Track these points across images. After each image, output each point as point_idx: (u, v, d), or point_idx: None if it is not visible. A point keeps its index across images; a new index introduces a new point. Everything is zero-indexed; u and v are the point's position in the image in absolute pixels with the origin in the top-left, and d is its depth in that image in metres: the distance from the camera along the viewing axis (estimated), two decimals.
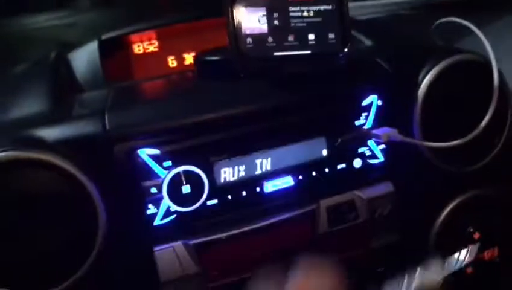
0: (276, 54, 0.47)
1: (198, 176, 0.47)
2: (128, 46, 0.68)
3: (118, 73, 0.65)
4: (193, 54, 0.68)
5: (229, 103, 0.49)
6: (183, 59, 0.70)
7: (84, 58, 0.63)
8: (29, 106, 0.50)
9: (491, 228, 0.58)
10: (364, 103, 0.53)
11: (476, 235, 0.57)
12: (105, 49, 0.63)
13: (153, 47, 0.70)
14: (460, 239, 0.57)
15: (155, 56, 0.68)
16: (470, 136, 0.50)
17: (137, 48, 0.69)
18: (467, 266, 0.57)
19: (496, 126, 0.57)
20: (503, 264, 0.58)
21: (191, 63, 0.68)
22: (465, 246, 0.56)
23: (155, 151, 0.46)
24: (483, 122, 0.51)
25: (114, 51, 0.66)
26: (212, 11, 0.68)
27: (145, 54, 0.69)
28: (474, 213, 0.57)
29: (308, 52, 0.47)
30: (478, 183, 0.58)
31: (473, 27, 0.54)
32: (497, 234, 0.58)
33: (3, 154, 0.42)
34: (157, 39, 0.69)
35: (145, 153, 0.46)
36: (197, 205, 0.47)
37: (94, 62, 0.63)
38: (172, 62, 0.69)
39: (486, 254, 0.57)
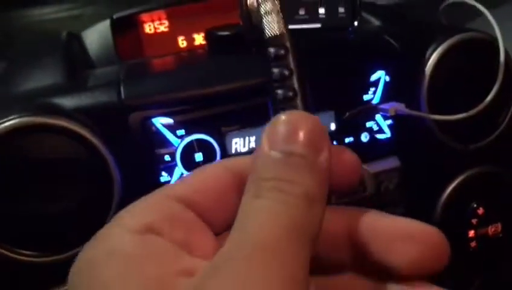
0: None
1: (211, 144, 0.48)
2: (139, 25, 0.69)
3: (130, 52, 0.66)
4: (203, 34, 0.69)
5: (240, 75, 0.50)
6: (193, 39, 0.71)
7: (96, 36, 0.64)
8: (43, 78, 0.52)
9: (495, 204, 0.59)
10: (373, 78, 0.54)
11: (480, 211, 0.58)
12: (117, 28, 0.65)
13: (163, 27, 0.71)
14: (464, 214, 0.58)
15: (165, 36, 0.70)
16: (475, 110, 0.51)
17: (148, 28, 0.70)
18: (470, 241, 0.58)
19: (501, 104, 0.58)
20: (506, 239, 0.59)
21: (200, 44, 0.69)
22: (469, 221, 0.58)
23: (169, 121, 0.48)
24: (489, 98, 0.52)
25: (126, 30, 0.67)
26: None
27: (156, 34, 0.70)
28: (478, 189, 0.58)
29: (319, 25, 0.48)
30: (483, 160, 0.59)
31: (479, 6, 0.55)
32: (501, 210, 0.59)
33: (19, 120, 0.43)
34: (168, 19, 0.70)
35: (159, 122, 0.47)
36: None
37: (106, 40, 0.64)
38: (182, 42, 0.71)
39: (490, 229, 0.58)
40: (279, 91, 0.19)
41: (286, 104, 0.19)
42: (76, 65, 0.57)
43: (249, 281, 0.13)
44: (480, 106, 0.51)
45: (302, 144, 0.16)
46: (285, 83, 0.18)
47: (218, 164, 0.19)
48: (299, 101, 0.19)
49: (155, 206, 0.17)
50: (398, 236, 0.18)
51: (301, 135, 0.16)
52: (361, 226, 0.18)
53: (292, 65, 0.19)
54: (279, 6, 0.20)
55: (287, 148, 0.16)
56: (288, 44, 0.20)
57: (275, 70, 0.19)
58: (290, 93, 0.19)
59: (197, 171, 0.19)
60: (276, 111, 0.18)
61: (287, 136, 0.16)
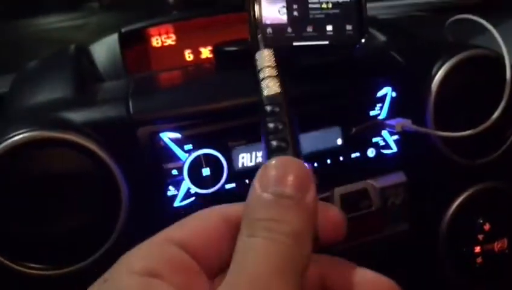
0: (295, 43, 0.48)
1: (218, 159, 0.48)
2: (146, 39, 0.70)
3: (137, 65, 0.66)
4: (209, 48, 0.69)
5: (247, 91, 0.50)
6: (200, 53, 0.72)
7: (104, 49, 0.65)
8: (52, 92, 0.52)
9: (501, 219, 0.58)
10: (379, 94, 0.54)
11: (486, 227, 0.58)
12: (124, 41, 0.65)
13: (170, 40, 0.72)
14: (470, 230, 0.58)
15: (172, 49, 0.70)
16: (481, 128, 0.51)
17: (156, 41, 0.71)
18: (476, 256, 0.58)
19: (507, 121, 0.58)
20: None
21: (207, 57, 0.70)
22: (475, 236, 0.58)
23: (176, 135, 0.48)
24: (495, 115, 0.52)
25: (133, 44, 0.68)
26: (230, 7, 0.70)
27: (163, 47, 0.71)
28: (484, 205, 0.58)
29: (326, 42, 0.49)
30: (489, 175, 0.59)
31: (485, 23, 0.55)
32: (507, 225, 0.59)
33: (28, 134, 0.43)
34: (175, 33, 0.71)
35: (167, 137, 0.48)
36: (216, 187, 0.49)
37: (114, 53, 0.65)
38: (189, 56, 0.71)
39: (496, 245, 0.58)
40: (274, 142, 0.21)
41: (278, 153, 0.21)
42: (85, 78, 0.57)
43: None
44: (487, 123, 0.52)
45: (290, 186, 0.18)
46: (278, 134, 0.21)
47: (213, 211, 0.21)
48: (289, 150, 0.21)
49: (157, 250, 0.19)
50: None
51: (290, 178, 0.18)
52: (334, 276, 0.20)
53: (285, 120, 0.22)
54: (277, 72, 0.23)
55: (277, 190, 0.18)
56: (283, 102, 0.22)
57: (270, 124, 0.21)
58: (283, 144, 0.21)
59: (194, 216, 0.20)
60: (268, 157, 0.20)
61: (277, 180, 0.18)
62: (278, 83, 0.23)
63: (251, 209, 0.18)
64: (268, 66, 0.23)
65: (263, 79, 0.23)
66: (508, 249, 0.58)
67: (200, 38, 0.71)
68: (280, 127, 0.21)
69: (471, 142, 0.56)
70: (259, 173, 0.19)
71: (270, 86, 0.23)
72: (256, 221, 0.17)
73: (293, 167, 0.18)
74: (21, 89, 0.55)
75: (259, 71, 0.23)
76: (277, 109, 0.22)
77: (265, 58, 0.23)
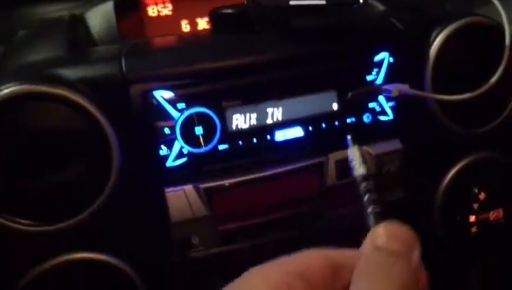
0: (291, 2, 0.48)
1: (211, 118, 0.48)
2: (142, 8, 0.69)
3: (132, 33, 0.66)
4: (206, 19, 0.69)
5: (243, 52, 0.50)
6: (196, 24, 0.71)
7: (99, 17, 0.64)
8: (45, 52, 0.52)
9: (497, 189, 0.58)
10: (376, 59, 0.54)
11: (482, 196, 0.57)
12: (120, 9, 0.65)
13: (167, 10, 0.71)
14: (465, 199, 0.57)
15: (169, 19, 0.69)
16: (479, 91, 0.51)
17: (152, 11, 0.70)
18: (471, 226, 0.57)
19: (506, 90, 0.58)
20: (507, 225, 0.58)
21: (204, 28, 0.69)
22: (470, 206, 0.57)
23: (169, 94, 0.47)
24: (493, 79, 0.51)
25: (129, 12, 0.67)
26: None
27: (159, 17, 0.70)
28: (481, 174, 0.58)
29: (323, 2, 0.48)
30: (486, 145, 0.59)
31: None
32: (503, 195, 0.58)
33: (19, 87, 0.43)
34: (171, 2, 0.70)
35: (160, 95, 0.47)
36: (209, 147, 0.48)
37: (110, 21, 0.64)
38: (185, 26, 0.70)
39: (491, 215, 0.58)
40: (376, 209, 0.27)
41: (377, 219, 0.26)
42: (79, 42, 0.57)
43: None
44: (484, 87, 0.51)
45: (399, 245, 0.21)
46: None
47: (321, 252, 0.23)
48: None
49: (285, 273, 0.21)
50: None
51: (398, 238, 0.21)
52: None
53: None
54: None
55: (390, 247, 0.21)
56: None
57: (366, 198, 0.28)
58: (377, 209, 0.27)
59: (304, 254, 0.23)
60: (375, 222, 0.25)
61: (387, 240, 0.21)
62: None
63: (364, 262, 0.21)
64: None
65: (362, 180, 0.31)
66: (503, 218, 0.58)
67: (197, 9, 0.69)
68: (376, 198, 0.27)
69: (469, 111, 0.56)
70: (370, 234, 0.22)
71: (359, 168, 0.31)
72: (371, 272, 0.20)
73: (400, 230, 0.22)
74: (14, 51, 0.55)
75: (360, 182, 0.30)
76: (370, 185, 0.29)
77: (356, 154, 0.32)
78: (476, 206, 0.57)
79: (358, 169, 0.32)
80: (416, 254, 0.21)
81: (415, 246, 0.21)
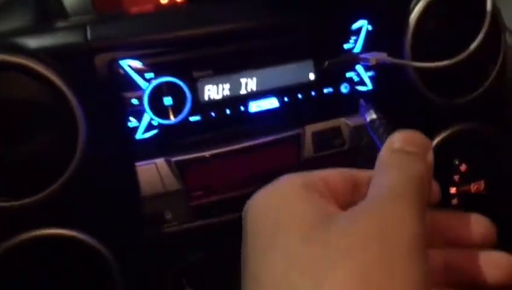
0: None
1: (181, 89, 0.46)
2: None
3: (107, 5, 0.63)
4: None
5: (215, 20, 0.48)
6: None
7: None
8: (10, 22, 0.49)
9: (478, 161, 0.57)
10: (354, 26, 0.52)
11: (463, 168, 0.56)
12: None
13: None
14: (446, 171, 0.56)
15: None
16: (458, 58, 0.49)
17: None
18: (452, 197, 0.56)
19: (487, 58, 0.56)
20: (489, 197, 0.57)
21: (183, 1, 0.67)
22: (451, 177, 0.56)
23: (137, 63, 0.45)
24: (473, 46, 0.50)
25: None
26: None
27: None
28: (462, 146, 0.57)
29: None
30: (468, 116, 0.57)
31: None
32: (484, 167, 0.57)
33: None
34: None
35: (127, 64, 0.45)
36: (179, 118, 0.46)
37: None
38: None
39: (473, 187, 0.57)
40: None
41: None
42: (49, 13, 0.54)
43: (393, 212, 0.19)
44: (463, 54, 0.49)
45: (415, 146, 0.22)
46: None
47: (340, 169, 0.25)
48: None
49: (310, 176, 0.23)
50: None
51: (414, 141, 0.23)
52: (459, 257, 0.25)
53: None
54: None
55: (405, 148, 0.22)
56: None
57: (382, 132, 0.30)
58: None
59: (325, 170, 0.24)
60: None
61: (404, 142, 0.22)
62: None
63: (383, 158, 0.22)
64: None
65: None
66: (484, 190, 0.57)
67: None
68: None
69: (449, 80, 0.54)
70: (386, 142, 0.23)
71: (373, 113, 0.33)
72: (388, 164, 0.22)
73: (415, 134, 0.23)
74: None
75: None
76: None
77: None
78: (456, 178, 0.56)
79: (371, 115, 0.33)
80: (430, 155, 0.23)
81: (429, 148, 0.23)
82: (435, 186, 0.25)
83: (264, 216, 0.21)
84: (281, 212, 0.21)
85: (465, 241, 0.24)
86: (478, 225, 0.24)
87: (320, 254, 0.18)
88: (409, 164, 0.21)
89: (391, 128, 0.29)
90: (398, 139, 0.23)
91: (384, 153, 0.23)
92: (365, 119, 0.34)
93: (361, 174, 0.25)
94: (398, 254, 0.18)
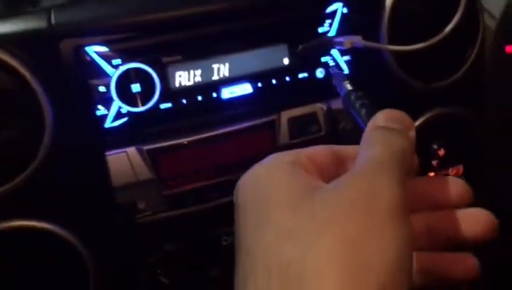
0: None
1: (149, 75, 0.45)
2: None
3: None
4: None
5: (185, 2, 0.46)
6: None
7: None
8: None
9: (456, 145, 0.57)
10: (329, 9, 0.51)
11: (441, 152, 0.56)
12: None
13: None
14: (424, 156, 0.56)
15: None
16: (433, 40, 0.48)
17: None
18: None
19: (464, 42, 0.55)
20: (468, 181, 0.57)
21: None
22: (429, 162, 0.56)
23: (103, 49, 0.44)
24: (448, 28, 0.49)
25: None
26: None
27: None
28: (440, 130, 0.56)
29: None
30: (446, 100, 0.57)
31: None
32: (463, 151, 0.57)
33: None
34: None
35: (93, 50, 0.44)
36: (149, 105, 0.45)
37: None
38: None
39: (451, 171, 0.56)
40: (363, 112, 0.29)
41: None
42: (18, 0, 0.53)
43: (376, 180, 0.20)
44: (439, 37, 0.49)
45: (398, 124, 0.23)
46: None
47: (326, 146, 0.26)
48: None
49: (296, 154, 0.24)
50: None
51: (396, 119, 0.23)
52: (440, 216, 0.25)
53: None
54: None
55: (387, 125, 0.23)
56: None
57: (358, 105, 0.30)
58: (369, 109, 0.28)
59: (311, 147, 0.25)
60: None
61: (387, 120, 0.23)
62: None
63: (367, 135, 0.23)
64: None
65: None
66: (463, 175, 0.57)
67: None
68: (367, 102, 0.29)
69: (426, 64, 0.53)
70: (370, 121, 0.24)
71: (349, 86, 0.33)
72: (372, 139, 0.23)
73: (398, 112, 0.24)
74: None
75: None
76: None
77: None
78: (435, 163, 0.56)
79: (346, 87, 0.33)
80: (412, 133, 0.23)
81: (411, 126, 0.23)
82: (415, 160, 0.26)
83: (254, 192, 0.22)
84: (270, 188, 0.22)
85: (445, 203, 0.25)
86: (455, 186, 0.25)
87: (307, 223, 0.19)
88: (391, 139, 0.22)
89: (367, 101, 0.30)
90: (381, 118, 0.24)
91: (368, 130, 0.24)
92: (339, 90, 0.34)
93: (346, 150, 0.26)
94: (381, 217, 0.19)
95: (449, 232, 0.25)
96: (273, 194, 0.21)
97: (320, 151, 0.25)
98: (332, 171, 0.25)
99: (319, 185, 0.22)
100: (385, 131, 0.23)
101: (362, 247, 0.19)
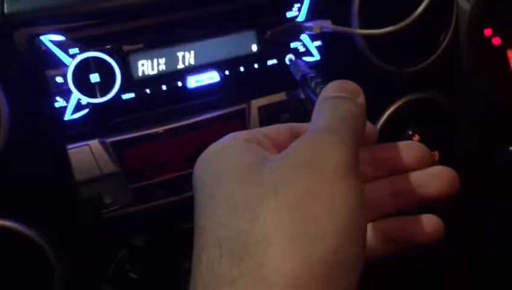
0: None
1: (109, 64, 0.43)
2: None
3: None
4: None
5: None
6: None
7: None
8: None
9: (432, 131, 0.56)
10: None
11: (416, 138, 0.55)
12: None
13: None
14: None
15: None
16: (402, 24, 0.47)
17: None
18: None
19: (437, 26, 0.54)
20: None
21: None
22: None
23: (59, 38, 0.42)
24: (417, 11, 0.48)
25: None
26: None
27: None
28: (414, 116, 0.55)
29: None
30: (421, 86, 0.56)
31: None
32: (438, 137, 0.56)
33: None
34: None
35: (48, 40, 0.42)
36: (109, 96, 0.44)
37: None
38: None
39: None
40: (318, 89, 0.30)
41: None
42: None
43: (322, 143, 0.20)
44: (408, 20, 0.47)
45: (347, 92, 0.23)
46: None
47: (283, 124, 0.26)
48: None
49: (252, 132, 0.24)
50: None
51: (345, 88, 0.23)
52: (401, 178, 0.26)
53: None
54: None
55: (337, 95, 0.23)
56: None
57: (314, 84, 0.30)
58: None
59: (270, 126, 0.26)
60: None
61: (336, 90, 0.23)
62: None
63: (318, 105, 0.23)
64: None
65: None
66: (439, 161, 0.56)
67: None
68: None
69: (399, 49, 0.52)
70: (320, 94, 0.24)
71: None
72: (322, 108, 0.23)
73: (345, 82, 0.24)
74: None
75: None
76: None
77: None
78: None
79: (301, 70, 0.34)
80: (361, 98, 0.23)
81: (360, 93, 0.23)
82: (372, 128, 0.26)
83: (207, 170, 0.22)
84: (221, 164, 0.22)
85: (405, 166, 0.26)
86: (414, 149, 0.26)
87: (255, 192, 0.19)
88: (339, 106, 0.23)
89: (321, 79, 0.30)
90: (330, 89, 0.24)
91: (318, 102, 0.24)
92: (296, 77, 0.33)
93: (300, 125, 0.26)
94: (327, 178, 0.19)
95: (414, 192, 0.25)
96: (223, 169, 0.21)
97: (277, 129, 0.25)
98: (287, 145, 0.25)
99: (270, 156, 0.22)
100: (334, 100, 0.23)
101: (308, 209, 0.18)
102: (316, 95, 0.28)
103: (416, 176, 0.25)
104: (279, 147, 0.24)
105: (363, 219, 0.20)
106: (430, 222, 0.25)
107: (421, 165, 0.25)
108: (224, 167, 0.21)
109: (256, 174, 0.20)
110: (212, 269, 0.19)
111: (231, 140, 0.23)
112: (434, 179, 0.25)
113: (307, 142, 0.21)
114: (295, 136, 0.25)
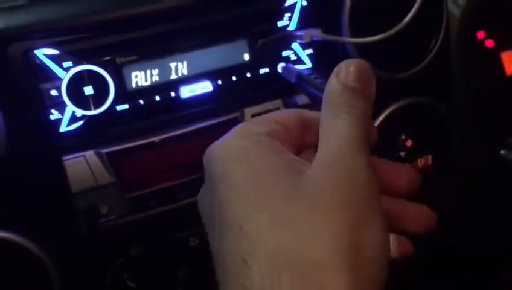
0: None
1: (102, 76, 0.44)
2: None
3: None
4: None
5: (137, 0, 0.45)
6: None
7: None
8: None
9: (425, 136, 0.56)
10: (288, 3, 0.50)
11: (409, 143, 0.55)
12: None
13: None
14: (392, 147, 0.55)
15: None
16: (392, 32, 0.48)
17: None
18: None
19: (429, 32, 0.55)
20: (436, 172, 0.57)
21: None
22: (397, 153, 0.55)
23: (53, 51, 0.43)
24: (406, 18, 0.48)
25: None
26: None
27: None
28: (407, 121, 0.56)
29: None
30: (413, 90, 0.56)
31: None
32: (431, 141, 0.56)
33: None
34: None
35: (43, 53, 0.43)
36: (104, 108, 0.44)
37: None
38: None
39: (420, 162, 0.56)
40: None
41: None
42: None
43: (340, 162, 0.21)
44: (398, 27, 0.48)
45: (358, 82, 0.23)
46: None
47: (291, 110, 0.27)
48: None
49: (268, 123, 0.25)
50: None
51: (357, 76, 0.23)
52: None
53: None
54: None
55: (348, 84, 0.23)
56: None
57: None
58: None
59: (278, 111, 0.28)
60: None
61: (347, 76, 0.23)
62: None
63: (332, 96, 0.23)
64: None
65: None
66: (432, 165, 0.57)
67: None
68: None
69: (390, 55, 0.53)
70: (336, 70, 0.24)
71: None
72: (338, 106, 0.23)
73: (358, 65, 0.23)
74: None
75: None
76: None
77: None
78: (403, 154, 0.55)
79: (295, 71, 0.36)
80: (372, 89, 0.24)
81: (371, 80, 0.24)
82: (374, 128, 0.27)
83: (235, 166, 0.22)
84: (254, 166, 0.22)
85: (396, 189, 0.26)
86: (406, 172, 0.27)
87: (302, 213, 0.20)
88: (355, 106, 0.23)
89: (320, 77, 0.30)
90: (342, 75, 0.23)
91: (330, 90, 0.23)
92: (291, 80, 0.35)
93: (310, 114, 0.27)
94: (363, 206, 0.21)
95: (394, 220, 0.25)
96: (263, 176, 0.22)
97: (288, 117, 0.26)
98: (300, 138, 0.26)
99: (299, 168, 0.22)
100: (348, 96, 0.23)
101: (352, 238, 0.19)
102: (317, 87, 0.28)
103: (401, 206, 0.25)
104: (292, 139, 0.25)
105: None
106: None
107: (409, 189, 0.26)
108: (261, 175, 0.22)
109: (298, 192, 0.21)
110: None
111: (256, 138, 0.23)
112: (416, 218, 0.25)
113: (335, 168, 0.21)
114: (306, 127, 0.26)
